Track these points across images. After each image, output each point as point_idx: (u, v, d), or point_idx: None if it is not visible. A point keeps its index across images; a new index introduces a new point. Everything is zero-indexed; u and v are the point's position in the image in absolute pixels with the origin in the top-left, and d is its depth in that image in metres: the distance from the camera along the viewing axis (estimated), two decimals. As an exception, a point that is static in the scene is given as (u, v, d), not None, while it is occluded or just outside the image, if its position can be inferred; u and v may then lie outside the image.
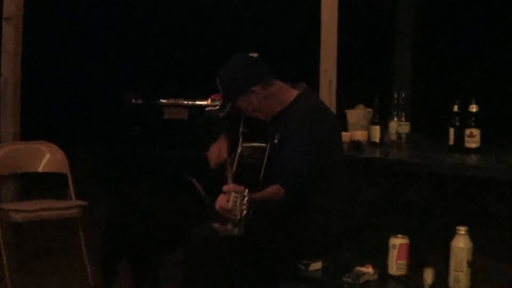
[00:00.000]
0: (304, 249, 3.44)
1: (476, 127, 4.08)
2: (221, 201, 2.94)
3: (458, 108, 4.18)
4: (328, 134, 3.51)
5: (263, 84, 3.52)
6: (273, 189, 3.23)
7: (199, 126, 8.87)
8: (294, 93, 3.58)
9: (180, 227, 3.95)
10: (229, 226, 2.90)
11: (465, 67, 10.64)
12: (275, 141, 3.47)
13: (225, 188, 2.96)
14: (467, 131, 4.09)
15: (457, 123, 4.17)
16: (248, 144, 3.54)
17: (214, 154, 3.69)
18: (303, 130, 3.39)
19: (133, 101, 9.72)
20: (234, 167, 3.52)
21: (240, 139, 3.60)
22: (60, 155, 5.03)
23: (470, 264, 3.21)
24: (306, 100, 3.56)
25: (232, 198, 2.87)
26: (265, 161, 3.41)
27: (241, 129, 3.66)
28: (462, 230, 3.23)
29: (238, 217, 2.86)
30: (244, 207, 2.87)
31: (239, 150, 3.56)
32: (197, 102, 9.17)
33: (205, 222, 3.63)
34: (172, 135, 9.25)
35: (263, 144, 3.47)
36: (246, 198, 2.87)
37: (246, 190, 2.90)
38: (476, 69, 10.52)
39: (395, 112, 4.66)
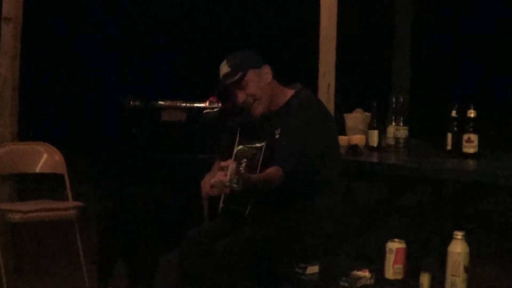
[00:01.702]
0: (301, 253, 3.44)
1: (474, 132, 4.07)
2: (219, 176, 3.03)
3: (456, 113, 4.18)
4: (325, 125, 3.58)
5: (271, 71, 3.61)
6: (272, 170, 3.30)
7: (197, 128, 8.86)
8: (291, 92, 3.66)
9: (176, 228, 3.95)
10: (227, 183, 3.00)
11: (464, 72, 10.65)
12: (276, 136, 3.51)
13: (223, 163, 3.07)
14: (465, 136, 4.09)
15: (455, 128, 4.17)
16: (244, 146, 3.56)
17: (206, 185, 3.68)
18: (302, 118, 3.46)
19: (130, 103, 9.71)
20: None
21: (237, 139, 3.61)
22: (57, 156, 5.03)
23: (467, 269, 3.21)
24: (304, 95, 3.64)
25: (229, 170, 2.98)
26: (260, 160, 3.44)
27: (238, 131, 3.67)
28: (459, 235, 3.23)
29: (237, 177, 2.97)
30: (242, 169, 3.01)
31: (235, 150, 3.58)
32: (195, 104, 9.15)
33: (201, 224, 3.65)
34: (170, 137, 9.23)
35: (259, 144, 3.49)
36: (243, 164, 3.06)
37: (244, 159, 3.08)
38: (474, 74, 10.53)
39: (393, 117, 4.66)
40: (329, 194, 3.53)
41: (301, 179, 3.39)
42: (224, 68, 3.58)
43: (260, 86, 3.56)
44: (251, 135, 3.63)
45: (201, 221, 3.74)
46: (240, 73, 3.54)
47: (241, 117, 3.80)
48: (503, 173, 3.59)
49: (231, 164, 3.02)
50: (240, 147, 3.57)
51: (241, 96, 3.58)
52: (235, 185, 2.99)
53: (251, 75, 3.55)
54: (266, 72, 3.59)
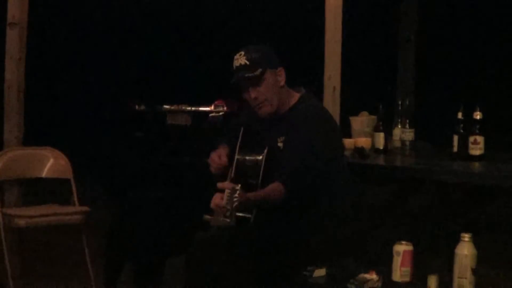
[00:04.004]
0: (308, 256, 3.44)
1: (480, 134, 4.07)
2: (216, 199, 3.09)
3: (462, 115, 4.18)
4: (330, 136, 3.56)
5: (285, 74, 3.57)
6: (272, 187, 3.29)
7: (203, 132, 8.87)
8: (297, 95, 3.63)
9: (183, 232, 3.95)
10: (221, 218, 3.02)
11: (469, 74, 10.63)
12: (279, 144, 3.49)
13: (219, 184, 3.11)
14: (471, 138, 4.09)
15: (461, 130, 4.16)
16: (244, 155, 3.55)
17: (214, 159, 3.68)
18: (306, 130, 3.43)
19: (136, 107, 9.73)
20: (232, 176, 3.53)
21: (237, 150, 3.59)
22: (63, 160, 5.03)
23: (474, 271, 3.21)
24: (308, 102, 3.61)
25: (226, 194, 3.00)
26: (261, 171, 3.43)
27: (239, 139, 3.64)
28: (466, 237, 3.23)
29: (229, 208, 2.97)
30: (236, 199, 2.97)
31: (235, 157, 3.57)
32: (201, 108, 9.16)
33: (208, 228, 3.64)
34: (176, 141, 9.25)
35: (259, 157, 3.47)
36: (237, 192, 2.98)
37: (239, 185, 3.00)
38: (480, 76, 10.51)
39: (399, 119, 4.66)
40: (336, 198, 3.53)
41: (304, 193, 3.37)
42: (241, 60, 3.50)
43: (274, 88, 3.52)
44: (253, 137, 3.62)
45: (208, 225, 3.74)
46: (260, 69, 3.47)
47: (244, 116, 3.78)
48: (510, 175, 3.59)
49: (227, 187, 3.03)
50: (240, 156, 3.55)
51: (253, 93, 3.51)
52: (227, 220, 2.99)
53: (268, 74, 3.50)
54: (280, 75, 3.55)
